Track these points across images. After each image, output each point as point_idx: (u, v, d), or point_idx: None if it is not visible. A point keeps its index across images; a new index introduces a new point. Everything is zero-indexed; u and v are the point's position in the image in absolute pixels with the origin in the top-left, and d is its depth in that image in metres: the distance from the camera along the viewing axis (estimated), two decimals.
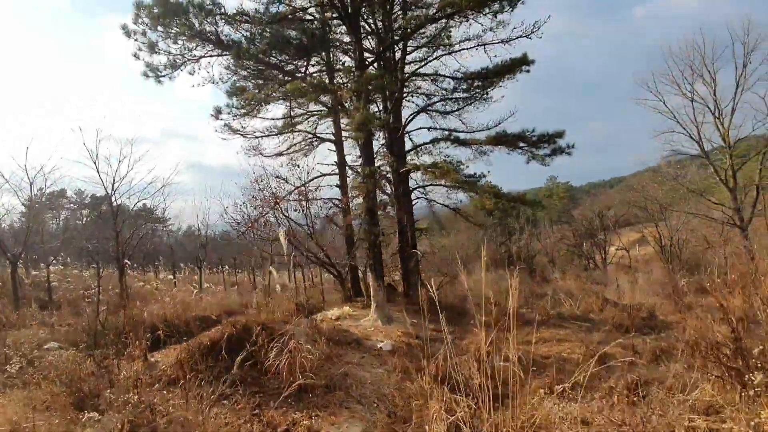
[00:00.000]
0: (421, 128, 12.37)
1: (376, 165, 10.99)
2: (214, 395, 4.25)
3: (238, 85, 10.76)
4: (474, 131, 12.32)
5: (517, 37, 10.67)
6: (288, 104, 11.08)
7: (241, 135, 11.80)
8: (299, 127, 12.23)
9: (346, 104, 8.39)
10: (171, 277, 16.71)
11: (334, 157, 12.11)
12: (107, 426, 3.94)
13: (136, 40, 8.43)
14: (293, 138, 12.24)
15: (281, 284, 14.38)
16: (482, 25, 10.79)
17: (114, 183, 11.48)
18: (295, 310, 13.05)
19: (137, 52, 8.68)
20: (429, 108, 12.14)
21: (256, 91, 10.23)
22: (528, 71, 11.29)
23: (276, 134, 11.98)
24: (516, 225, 29.54)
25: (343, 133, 11.65)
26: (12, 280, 10.83)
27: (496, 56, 11.13)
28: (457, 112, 12.21)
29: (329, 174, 12.04)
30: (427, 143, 12.83)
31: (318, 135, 12.29)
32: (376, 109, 11.56)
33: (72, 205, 38.17)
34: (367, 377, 5.08)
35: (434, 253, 15.75)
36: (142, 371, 5.05)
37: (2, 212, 11.91)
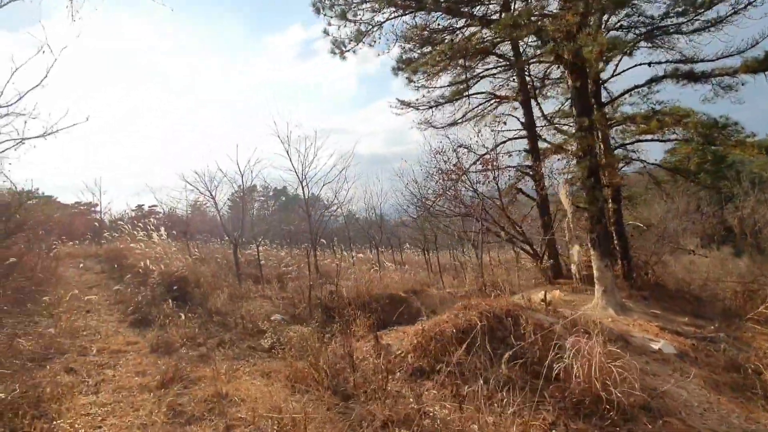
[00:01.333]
0: (637, 65, 9.62)
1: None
2: (481, 398, 3.39)
3: (408, 56, 10.11)
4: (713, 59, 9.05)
5: None
6: (464, 62, 9.89)
7: (414, 107, 11.18)
8: (475, 89, 10.95)
9: (554, 41, 6.71)
10: (349, 256, 17.76)
11: (513, 122, 10.53)
12: (365, 417, 3.44)
13: (325, 15, 8.55)
14: (469, 103, 11.07)
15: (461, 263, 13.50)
16: None
17: (303, 169, 12.44)
18: (482, 291, 12.10)
19: (326, 27, 8.90)
20: (653, 31, 9.22)
21: (430, 51, 9.33)
22: None
23: (449, 101, 10.98)
24: (736, 188, 22.52)
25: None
26: (234, 258, 12.69)
27: None
28: (689, 36, 9.08)
29: (514, 138, 10.49)
30: (640, 86, 10.04)
31: (498, 95, 10.81)
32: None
33: (261, 197, 45.65)
34: (683, 395, 3.60)
35: (642, 226, 12.69)
36: (376, 354, 4.60)
37: (222, 202, 13.98)
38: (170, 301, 8.33)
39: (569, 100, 9.97)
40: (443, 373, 3.42)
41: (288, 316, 7.98)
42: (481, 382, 3.26)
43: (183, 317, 6.59)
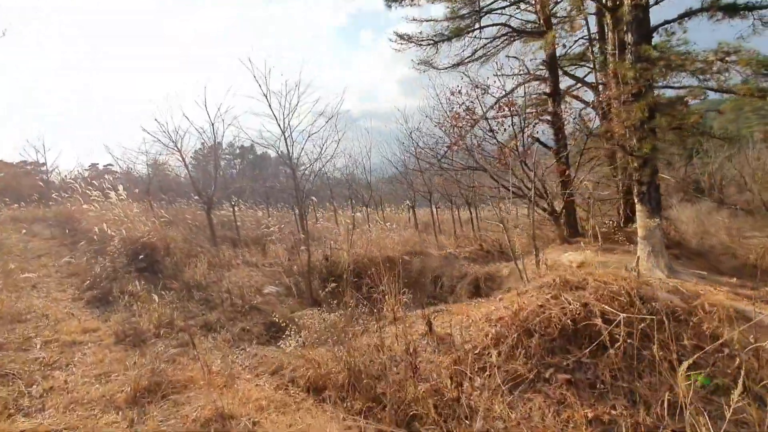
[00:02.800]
0: None
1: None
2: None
3: None
4: None
5: None
6: None
7: (415, 43, 9.59)
8: (486, 22, 9.44)
9: None
10: (335, 215, 16.49)
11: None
12: None
13: None
14: (479, 38, 9.57)
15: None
16: None
17: (285, 117, 10.78)
18: (482, 251, 11.27)
19: None
20: None
21: None
22: None
23: (456, 35, 9.44)
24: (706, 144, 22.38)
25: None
26: (208, 220, 11.20)
27: None
28: None
29: (531, 80, 9.23)
30: (670, 21, 8.87)
31: (515, 28, 9.36)
32: None
33: (228, 155, 42.67)
34: None
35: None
36: (434, 349, 3.52)
37: (189, 156, 12.12)
38: (136, 273, 6.95)
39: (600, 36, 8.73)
40: (555, 384, 2.43)
41: (282, 288, 6.81)
42: (624, 401, 2.28)
43: (154, 296, 5.28)
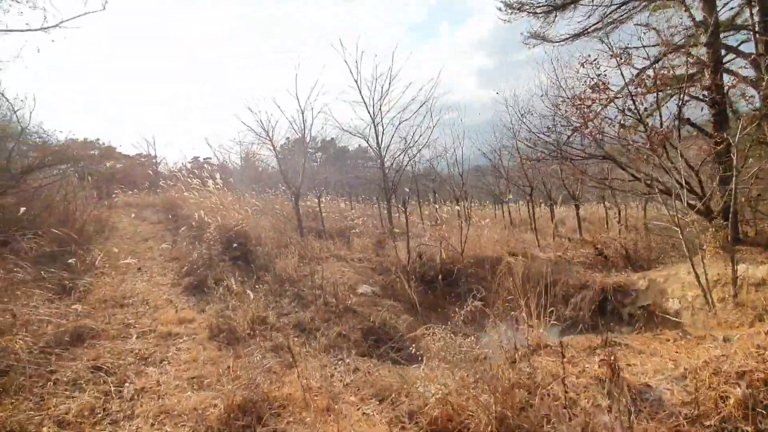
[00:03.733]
0: None
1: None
2: None
3: None
4: None
5: None
6: None
7: (528, 11, 8.27)
8: None
9: None
10: (425, 210, 15.68)
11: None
12: None
13: None
14: (608, 4, 7.94)
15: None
16: None
17: (375, 103, 10.17)
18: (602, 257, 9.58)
19: None
20: None
21: None
22: None
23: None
24: None
25: None
26: (296, 210, 11.06)
27: None
28: None
29: (672, 51, 7.40)
30: None
31: None
32: None
33: (310, 149, 44.37)
34: None
35: None
36: (624, 407, 2.42)
37: (278, 144, 12.07)
38: (230, 261, 6.77)
39: None
40: None
41: (377, 288, 6.12)
42: None
43: (249, 292, 4.87)
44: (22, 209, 6.15)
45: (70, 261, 5.47)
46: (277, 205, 13.20)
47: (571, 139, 7.24)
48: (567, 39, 8.65)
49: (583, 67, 6.42)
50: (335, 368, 3.73)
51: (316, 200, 15.50)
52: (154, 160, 22.66)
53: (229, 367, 3.43)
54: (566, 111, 7.01)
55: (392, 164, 10.42)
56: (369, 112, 10.13)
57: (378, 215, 15.55)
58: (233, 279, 5.56)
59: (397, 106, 16.59)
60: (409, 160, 10.18)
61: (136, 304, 5.22)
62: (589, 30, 8.27)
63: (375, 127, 10.13)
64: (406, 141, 9.88)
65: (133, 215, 10.61)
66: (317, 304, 5.22)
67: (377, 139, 10.23)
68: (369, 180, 21.51)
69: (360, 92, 10.02)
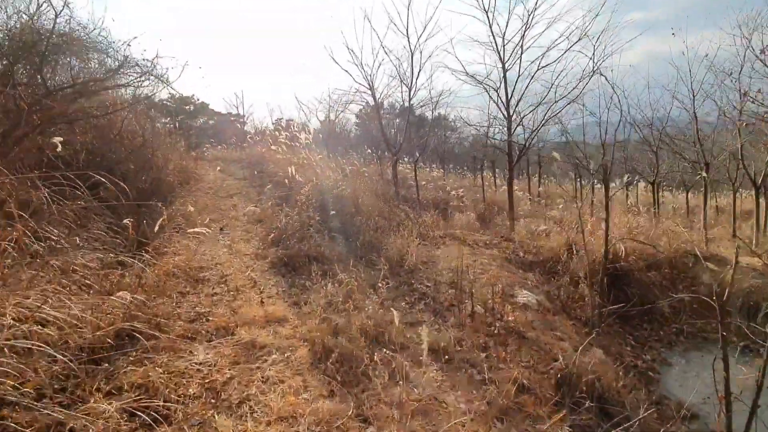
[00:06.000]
0: None
1: None
2: None
3: None
4: None
5: None
6: None
7: None
8: None
9: None
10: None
11: None
12: None
13: None
14: None
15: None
16: None
17: (505, 44, 7.70)
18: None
19: None
20: None
21: None
22: None
23: None
24: None
25: None
26: (394, 177, 9.39)
27: None
28: None
29: None
30: None
31: None
32: None
33: (388, 115, 42.47)
34: None
35: None
36: None
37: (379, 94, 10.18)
38: (327, 233, 5.27)
39: None
40: None
41: (542, 296, 4.14)
42: None
43: (370, 291, 3.23)
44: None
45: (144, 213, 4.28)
46: (364, 169, 11.60)
47: None
48: None
49: None
50: None
51: (408, 166, 13.75)
52: (242, 118, 22.51)
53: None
54: None
55: (520, 121, 8.05)
56: (499, 55, 7.80)
57: (478, 187, 13.38)
58: (335, 259, 3.99)
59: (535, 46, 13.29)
60: (553, 115, 7.73)
61: (213, 282, 3.90)
62: None
63: (505, 73, 7.80)
64: (551, 86, 7.35)
65: (218, 168, 9.72)
66: (458, 315, 3.45)
67: (506, 92, 7.92)
68: (466, 149, 19.12)
69: (489, 26, 7.66)
